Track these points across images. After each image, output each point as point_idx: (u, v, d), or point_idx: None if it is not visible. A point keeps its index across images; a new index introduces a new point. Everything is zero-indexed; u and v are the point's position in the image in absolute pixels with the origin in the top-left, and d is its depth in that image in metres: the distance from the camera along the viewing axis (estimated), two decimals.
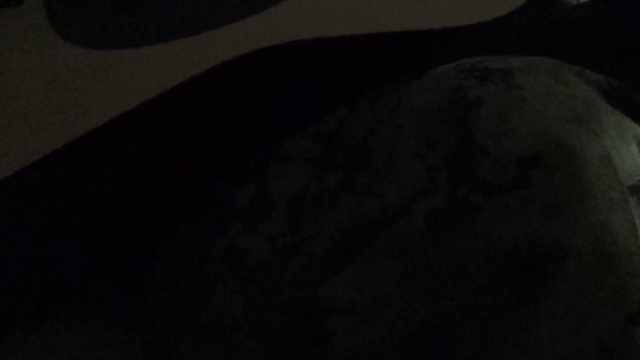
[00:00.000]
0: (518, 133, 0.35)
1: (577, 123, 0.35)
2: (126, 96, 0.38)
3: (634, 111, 0.39)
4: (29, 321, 0.40)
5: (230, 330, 0.38)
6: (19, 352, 0.40)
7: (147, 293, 0.42)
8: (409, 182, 0.36)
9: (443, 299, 0.34)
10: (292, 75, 0.41)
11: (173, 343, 0.40)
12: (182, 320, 0.40)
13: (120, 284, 0.43)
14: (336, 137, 0.39)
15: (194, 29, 0.40)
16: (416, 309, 0.34)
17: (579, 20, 0.44)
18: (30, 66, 0.39)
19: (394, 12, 0.41)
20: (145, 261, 0.42)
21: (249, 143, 0.41)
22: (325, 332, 0.36)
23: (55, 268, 0.40)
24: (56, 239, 0.39)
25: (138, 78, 0.39)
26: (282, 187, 0.39)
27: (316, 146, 0.39)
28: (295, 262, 0.37)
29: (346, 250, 0.36)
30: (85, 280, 0.41)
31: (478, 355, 0.34)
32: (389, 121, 0.37)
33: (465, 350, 0.34)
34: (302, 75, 0.41)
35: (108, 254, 0.41)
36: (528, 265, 0.34)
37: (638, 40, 0.43)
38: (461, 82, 0.37)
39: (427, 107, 0.37)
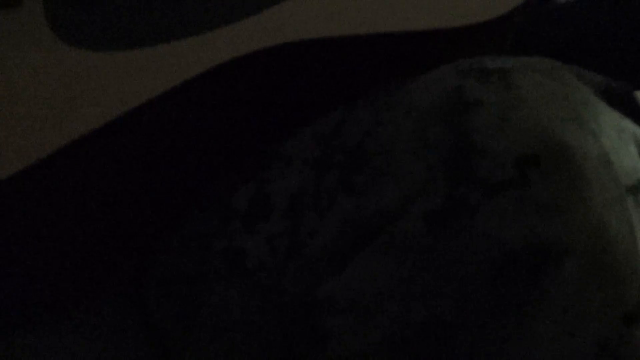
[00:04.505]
0: (516, 133, 0.35)
1: (575, 123, 0.35)
2: (126, 96, 0.38)
3: (632, 112, 0.39)
4: (30, 321, 0.40)
5: (230, 330, 0.38)
6: (19, 352, 0.40)
7: (147, 293, 0.42)
8: (407, 182, 0.36)
9: (441, 299, 0.34)
10: (292, 75, 0.41)
11: (173, 343, 0.40)
12: (182, 320, 0.40)
13: (120, 284, 0.43)
14: (335, 137, 0.39)
15: (193, 30, 0.40)
16: (414, 309, 0.35)
17: (566, 16, 0.45)
18: (30, 66, 0.39)
19: (393, 12, 0.41)
20: (145, 261, 0.42)
21: (248, 143, 0.41)
22: (324, 331, 0.36)
23: (55, 268, 0.40)
24: (56, 240, 0.39)
25: (138, 78, 0.39)
26: (281, 187, 0.39)
27: (315, 146, 0.39)
28: (294, 262, 0.37)
29: (345, 251, 0.36)
30: (85, 280, 0.41)
31: (476, 355, 0.34)
32: (387, 121, 0.37)
33: (463, 351, 0.34)
34: (301, 76, 0.41)
35: (108, 254, 0.41)
36: (526, 265, 0.34)
37: (619, 34, 0.44)
38: (459, 82, 0.37)
39: (426, 107, 0.37)
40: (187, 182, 0.41)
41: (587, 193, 0.34)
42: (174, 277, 0.40)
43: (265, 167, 0.40)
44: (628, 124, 0.37)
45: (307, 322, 0.36)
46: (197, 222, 0.41)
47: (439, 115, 0.36)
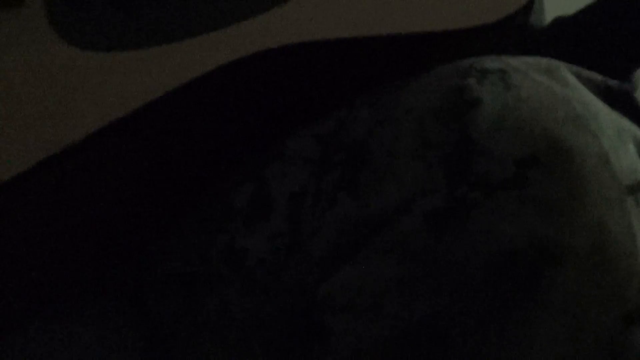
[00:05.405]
0: (516, 133, 0.35)
1: (574, 123, 0.35)
2: (127, 97, 0.38)
3: (631, 111, 0.39)
4: (29, 321, 0.40)
5: (230, 329, 0.38)
6: (19, 352, 0.40)
7: (147, 293, 0.42)
8: (408, 182, 0.36)
9: (441, 297, 0.34)
10: (292, 76, 0.41)
11: (173, 343, 0.40)
12: (182, 320, 0.40)
13: (120, 284, 0.43)
14: (336, 137, 0.39)
15: (193, 31, 0.40)
16: (414, 308, 0.35)
17: (567, 19, 0.45)
18: (31, 66, 0.39)
19: (394, 14, 0.41)
20: (145, 261, 0.42)
21: (248, 143, 0.42)
22: (324, 330, 0.36)
23: (56, 268, 0.40)
24: (56, 240, 0.39)
25: (138, 78, 0.39)
26: (282, 186, 0.39)
27: (316, 146, 0.39)
28: (295, 261, 0.37)
29: (345, 250, 0.36)
30: (85, 280, 0.41)
31: (475, 354, 0.34)
32: (388, 121, 0.37)
33: (463, 350, 0.34)
34: (302, 77, 0.41)
35: (108, 253, 0.41)
36: (526, 265, 0.34)
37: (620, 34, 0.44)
38: (460, 82, 0.37)
39: (426, 107, 0.37)
40: (187, 181, 0.41)
41: (587, 192, 0.34)
42: (174, 277, 0.40)
43: (265, 167, 0.40)
44: (627, 124, 0.37)
45: (307, 321, 0.36)
46: (197, 221, 0.41)
47: (439, 115, 0.36)
